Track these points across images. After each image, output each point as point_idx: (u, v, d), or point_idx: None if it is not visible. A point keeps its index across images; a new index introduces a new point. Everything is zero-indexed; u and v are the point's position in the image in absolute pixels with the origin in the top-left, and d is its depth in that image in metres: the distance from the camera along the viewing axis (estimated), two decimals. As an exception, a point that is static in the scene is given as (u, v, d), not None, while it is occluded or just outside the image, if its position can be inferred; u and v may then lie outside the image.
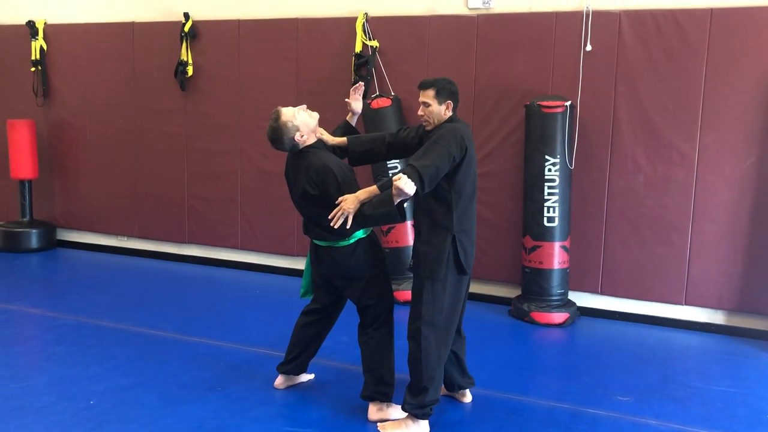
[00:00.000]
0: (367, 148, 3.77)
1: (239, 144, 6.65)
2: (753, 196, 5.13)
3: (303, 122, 3.57)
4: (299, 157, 3.63)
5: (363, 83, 4.04)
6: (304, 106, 3.67)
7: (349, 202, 3.30)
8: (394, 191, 3.15)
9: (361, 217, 3.31)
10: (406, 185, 3.10)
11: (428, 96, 3.48)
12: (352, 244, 3.61)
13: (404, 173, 3.16)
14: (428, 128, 3.55)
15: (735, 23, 5.04)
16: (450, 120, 3.51)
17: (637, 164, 5.37)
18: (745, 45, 5.03)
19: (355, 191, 3.36)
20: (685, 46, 5.16)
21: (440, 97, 3.47)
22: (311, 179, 3.53)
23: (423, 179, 3.19)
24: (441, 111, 3.49)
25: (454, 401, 3.95)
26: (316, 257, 3.75)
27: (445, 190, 3.40)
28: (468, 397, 3.94)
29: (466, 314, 5.56)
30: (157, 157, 7.04)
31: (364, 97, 4.81)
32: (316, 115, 3.65)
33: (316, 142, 3.65)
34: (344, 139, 3.79)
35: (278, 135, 3.57)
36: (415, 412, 3.51)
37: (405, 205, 3.32)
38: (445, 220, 3.43)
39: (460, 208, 3.42)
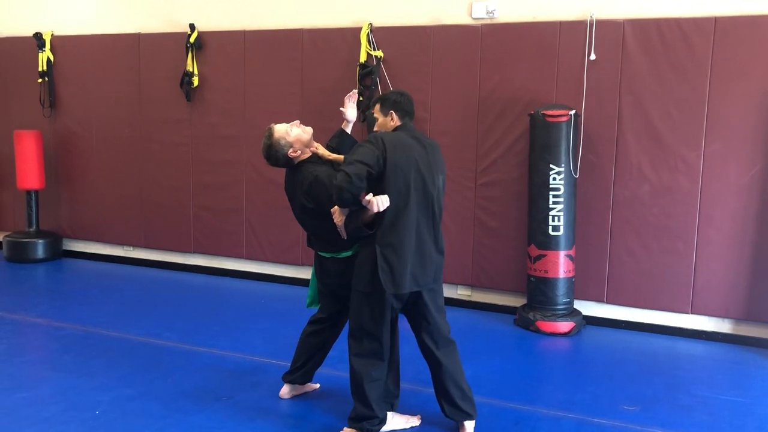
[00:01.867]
0: None
1: (244, 154, 6.68)
2: (759, 204, 5.12)
3: (296, 138, 3.62)
4: (295, 171, 3.68)
5: (356, 91, 4.07)
6: (297, 121, 3.72)
7: (337, 215, 3.36)
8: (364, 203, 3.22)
9: (345, 229, 3.39)
10: (375, 204, 3.18)
11: (376, 111, 3.63)
12: (354, 254, 3.62)
13: (336, 183, 3.19)
14: None
15: (739, 31, 5.04)
16: (397, 129, 3.54)
17: (642, 173, 5.36)
18: (749, 53, 5.04)
19: None
20: (689, 54, 5.17)
21: (384, 108, 3.59)
22: (305, 192, 3.58)
23: (351, 177, 3.16)
24: (386, 122, 3.58)
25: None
26: (320, 268, 3.77)
27: None
28: (466, 431, 3.63)
29: (471, 323, 5.58)
30: (162, 167, 7.07)
31: (369, 107, 4.84)
32: (309, 130, 3.69)
33: (310, 156, 3.68)
34: (341, 156, 3.81)
35: (272, 152, 3.63)
36: (351, 424, 3.53)
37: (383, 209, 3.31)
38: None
39: (386, 220, 3.32)
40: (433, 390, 3.67)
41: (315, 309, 4.01)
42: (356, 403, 3.50)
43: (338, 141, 3.93)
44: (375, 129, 3.67)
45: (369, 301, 3.41)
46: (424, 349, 3.60)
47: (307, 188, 3.56)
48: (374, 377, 3.47)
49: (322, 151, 3.75)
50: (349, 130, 3.99)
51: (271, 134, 3.62)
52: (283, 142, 3.60)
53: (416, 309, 3.51)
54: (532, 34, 5.58)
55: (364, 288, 3.40)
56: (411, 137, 3.48)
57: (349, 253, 3.62)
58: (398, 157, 3.32)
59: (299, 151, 3.63)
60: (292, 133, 3.62)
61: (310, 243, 3.79)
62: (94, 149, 7.37)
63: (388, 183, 3.29)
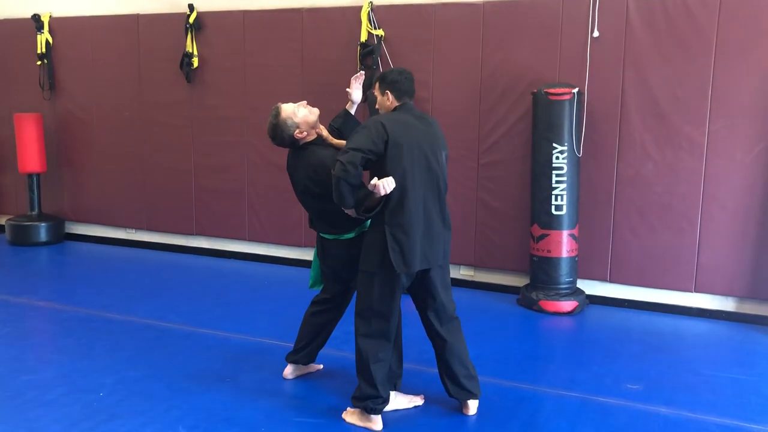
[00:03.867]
0: None
1: (246, 135, 6.65)
2: (763, 182, 5.09)
3: (303, 119, 3.59)
4: (299, 153, 3.66)
5: (363, 72, 4.04)
6: (305, 102, 3.68)
7: None
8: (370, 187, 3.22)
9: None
10: (381, 187, 3.19)
11: (375, 89, 3.61)
12: (357, 236, 3.61)
13: (333, 174, 3.22)
14: None
15: (744, 7, 4.98)
16: (396, 109, 3.52)
17: (646, 151, 5.33)
18: (754, 29, 4.98)
19: None
20: (693, 31, 5.11)
21: (381, 88, 3.57)
22: (309, 176, 3.57)
23: (345, 165, 3.19)
24: (384, 101, 3.57)
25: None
26: (322, 250, 3.76)
27: None
28: (469, 410, 3.64)
29: (474, 303, 5.57)
30: (164, 149, 7.04)
31: (371, 86, 4.80)
32: (316, 111, 3.66)
33: (315, 138, 3.66)
34: (343, 142, 3.78)
35: (278, 132, 3.60)
36: (355, 403, 3.53)
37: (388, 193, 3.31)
38: (379, 212, 3.36)
39: (392, 200, 3.31)
40: (436, 370, 3.67)
41: (318, 290, 4.01)
42: (361, 383, 3.50)
43: (342, 121, 3.91)
44: (376, 107, 3.65)
45: (378, 281, 3.40)
46: (428, 327, 3.60)
47: (311, 172, 3.56)
48: (380, 358, 3.47)
49: (325, 134, 3.72)
50: (353, 111, 3.96)
51: (278, 113, 3.59)
52: (289, 122, 3.57)
53: (422, 286, 3.50)
54: (534, 11, 5.51)
55: (373, 268, 3.39)
56: (411, 116, 3.48)
57: (351, 235, 3.61)
58: (400, 137, 3.32)
59: (305, 132, 3.61)
60: (299, 113, 3.59)
61: (312, 224, 3.77)
62: (94, 131, 7.35)
63: (392, 164, 3.29)
